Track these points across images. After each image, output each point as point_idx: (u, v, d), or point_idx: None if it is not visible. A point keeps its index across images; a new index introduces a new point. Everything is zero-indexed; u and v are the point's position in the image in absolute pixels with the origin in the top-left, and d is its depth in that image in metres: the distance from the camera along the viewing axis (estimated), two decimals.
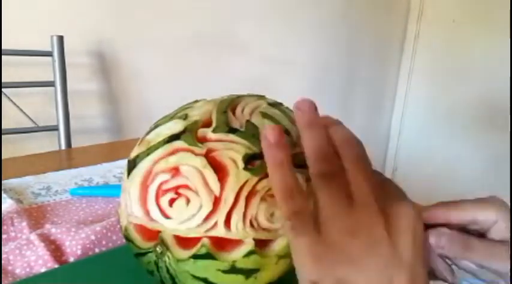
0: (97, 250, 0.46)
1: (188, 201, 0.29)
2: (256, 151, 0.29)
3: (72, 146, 1.08)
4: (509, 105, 1.77)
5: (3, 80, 0.98)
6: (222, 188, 0.29)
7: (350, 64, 1.93)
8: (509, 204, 0.40)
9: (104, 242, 0.47)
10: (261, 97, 0.37)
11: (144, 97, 1.30)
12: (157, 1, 1.26)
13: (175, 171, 0.29)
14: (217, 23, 1.42)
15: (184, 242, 0.30)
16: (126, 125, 1.28)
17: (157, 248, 0.30)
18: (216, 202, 0.29)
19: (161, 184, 0.30)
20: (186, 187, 0.29)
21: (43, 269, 0.42)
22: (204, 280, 0.30)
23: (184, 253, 0.29)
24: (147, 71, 1.29)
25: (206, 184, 0.29)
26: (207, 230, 0.29)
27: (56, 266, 0.42)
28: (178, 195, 0.29)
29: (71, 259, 0.44)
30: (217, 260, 0.29)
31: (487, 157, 1.94)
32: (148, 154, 0.31)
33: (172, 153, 0.30)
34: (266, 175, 0.28)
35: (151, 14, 1.26)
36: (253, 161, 0.29)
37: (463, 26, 1.94)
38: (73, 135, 1.09)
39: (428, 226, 0.36)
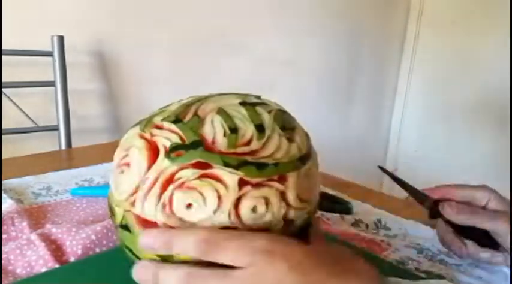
0: (97, 250, 0.46)
1: (125, 176, 0.32)
2: (186, 142, 0.31)
3: (72, 146, 1.08)
4: (509, 105, 1.77)
5: (3, 80, 0.98)
6: (147, 170, 0.31)
7: (350, 64, 1.93)
8: (509, 203, 0.42)
9: (104, 242, 0.47)
10: (245, 96, 0.37)
11: (144, 97, 1.30)
12: (157, 1, 1.26)
13: (128, 150, 0.33)
14: (217, 23, 1.42)
15: (120, 212, 0.33)
16: (126, 125, 1.28)
17: (109, 214, 0.35)
18: (141, 181, 0.31)
19: (120, 159, 0.34)
20: (128, 164, 0.32)
21: (43, 269, 0.42)
22: (130, 250, 0.33)
23: (118, 220, 0.33)
24: (147, 71, 1.29)
25: (138, 163, 0.31)
26: (130, 205, 0.31)
27: (57, 266, 0.42)
28: (123, 170, 0.33)
29: (72, 259, 0.44)
30: (134, 235, 0.31)
31: (487, 157, 1.94)
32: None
33: (131, 135, 0.34)
34: (190, 166, 0.30)
35: (152, 14, 1.26)
36: (180, 151, 0.31)
37: (463, 27, 1.94)
38: (73, 135, 1.09)
39: (436, 206, 0.45)
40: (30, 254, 0.43)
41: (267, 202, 0.30)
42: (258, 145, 0.31)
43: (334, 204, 0.57)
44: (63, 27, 1.08)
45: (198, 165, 0.30)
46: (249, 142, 0.31)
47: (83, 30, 1.15)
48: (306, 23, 1.68)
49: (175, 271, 0.29)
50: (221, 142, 0.31)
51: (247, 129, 0.32)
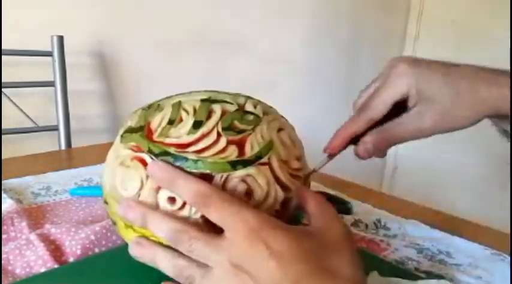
0: (97, 250, 0.46)
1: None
2: (133, 126, 0.35)
3: (72, 146, 1.08)
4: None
5: (3, 80, 0.98)
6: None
7: (350, 64, 1.93)
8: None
9: (103, 242, 0.47)
10: (234, 96, 0.37)
11: (144, 97, 1.29)
12: (157, 1, 1.26)
13: None
14: (217, 23, 1.41)
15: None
16: None
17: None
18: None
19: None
20: None
21: (43, 269, 0.42)
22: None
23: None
24: (147, 71, 1.29)
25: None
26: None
27: (56, 266, 0.42)
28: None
29: (71, 259, 0.44)
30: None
31: (487, 156, 1.94)
32: None
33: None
34: (129, 147, 0.34)
35: (152, 14, 1.26)
36: (128, 133, 0.35)
37: (463, 27, 1.94)
38: (73, 135, 1.09)
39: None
40: (29, 254, 0.43)
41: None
42: (188, 140, 0.32)
43: (333, 204, 0.57)
44: (63, 27, 1.08)
45: (134, 148, 0.33)
46: (180, 136, 0.33)
47: (83, 30, 1.15)
48: (306, 23, 1.68)
49: (165, 220, 0.30)
50: (156, 131, 0.33)
51: (186, 123, 0.33)
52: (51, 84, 1.05)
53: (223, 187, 0.31)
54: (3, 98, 1.01)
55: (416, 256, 0.49)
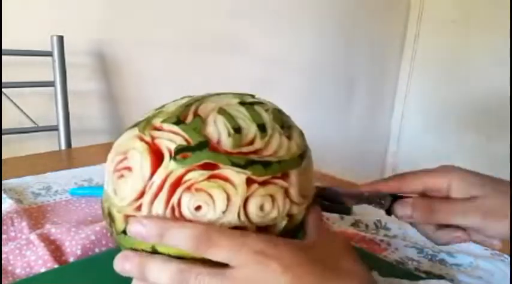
0: (97, 250, 0.46)
1: (126, 181, 0.31)
2: (192, 144, 0.30)
3: (72, 146, 1.08)
4: (509, 105, 1.77)
5: (3, 80, 0.98)
6: (152, 173, 0.30)
7: (350, 64, 1.93)
8: (509, 203, 0.41)
9: (103, 242, 0.47)
10: (242, 95, 0.37)
11: (144, 97, 1.30)
12: (157, 1, 1.26)
13: (126, 153, 0.32)
14: (217, 23, 1.41)
15: (122, 218, 0.32)
16: (126, 125, 1.28)
17: (107, 220, 0.34)
18: (146, 185, 0.30)
19: (116, 164, 0.33)
20: (129, 168, 0.31)
21: (43, 269, 0.42)
22: None
23: (120, 227, 0.32)
24: (147, 71, 1.29)
25: (141, 167, 0.31)
26: (134, 210, 0.31)
27: (56, 266, 0.42)
28: (123, 175, 0.32)
29: (71, 259, 0.44)
30: (140, 241, 0.30)
31: (487, 157, 1.94)
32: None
33: (128, 138, 0.33)
34: (197, 168, 0.30)
35: (152, 14, 1.26)
36: (186, 153, 0.30)
37: (463, 26, 1.94)
38: (73, 135, 1.09)
39: (394, 201, 0.39)
40: (29, 254, 0.43)
41: (273, 199, 0.31)
42: (261, 144, 0.31)
43: (333, 204, 0.57)
44: (63, 27, 1.08)
45: (205, 166, 0.30)
46: (252, 142, 0.31)
47: (83, 30, 1.14)
48: (306, 23, 1.68)
49: (165, 265, 0.28)
50: (226, 143, 0.31)
51: (250, 129, 0.32)
52: (51, 84, 1.05)
53: (298, 181, 0.32)
54: (3, 98, 1.01)
55: (417, 256, 0.49)
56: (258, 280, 0.27)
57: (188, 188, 0.30)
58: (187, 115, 0.32)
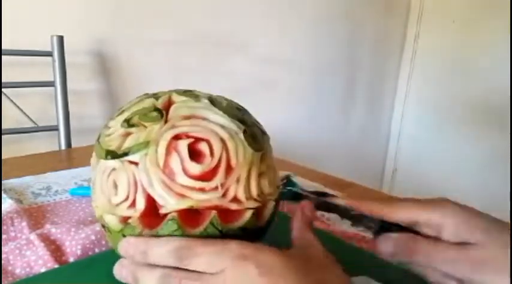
0: (97, 250, 0.46)
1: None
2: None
3: (72, 146, 1.08)
4: (509, 105, 1.77)
5: (3, 80, 0.98)
6: None
7: (350, 64, 1.93)
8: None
9: (103, 242, 0.47)
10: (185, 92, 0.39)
11: None
12: (157, 1, 1.26)
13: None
14: (217, 23, 1.41)
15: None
16: None
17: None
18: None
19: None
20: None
21: (43, 269, 0.42)
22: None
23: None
24: (147, 71, 1.29)
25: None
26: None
27: (56, 266, 0.42)
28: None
29: (71, 259, 0.44)
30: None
31: (487, 157, 1.94)
32: None
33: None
34: None
35: (152, 14, 1.26)
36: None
37: (463, 27, 1.94)
38: (73, 135, 1.08)
39: (381, 231, 0.35)
40: (29, 254, 0.43)
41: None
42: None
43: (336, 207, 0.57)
44: (63, 27, 1.08)
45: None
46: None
47: (83, 30, 1.14)
48: (306, 23, 1.68)
49: (152, 273, 0.30)
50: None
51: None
52: (51, 84, 1.05)
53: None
54: (3, 98, 1.01)
55: None
56: (237, 281, 0.27)
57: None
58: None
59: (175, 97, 0.36)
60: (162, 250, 0.29)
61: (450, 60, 2.01)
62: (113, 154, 0.33)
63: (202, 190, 0.31)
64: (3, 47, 0.97)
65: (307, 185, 0.67)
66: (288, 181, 0.66)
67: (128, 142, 0.33)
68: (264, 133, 0.38)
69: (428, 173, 2.11)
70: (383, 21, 2.01)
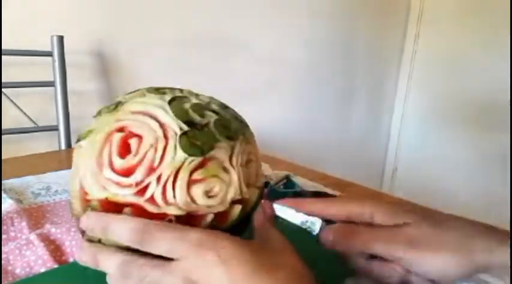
0: None
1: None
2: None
3: (72, 146, 1.08)
4: (509, 105, 1.77)
5: (3, 80, 0.98)
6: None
7: (350, 64, 1.93)
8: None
9: None
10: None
11: None
12: (157, 1, 1.26)
13: None
14: (217, 23, 1.42)
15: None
16: None
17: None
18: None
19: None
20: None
21: (43, 269, 0.42)
22: None
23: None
24: (147, 71, 1.29)
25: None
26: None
27: (56, 266, 0.42)
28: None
29: (71, 259, 0.44)
30: None
31: (487, 157, 1.94)
32: None
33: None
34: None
35: (152, 14, 1.26)
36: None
37: (463, 26, 1.94)
38: (73, 135, 1.08)
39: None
40: (29, 254, 0.43)
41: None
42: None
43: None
44: (63, 27, 1.08)
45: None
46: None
47: (83, 30, 1.14)
48: (306, 23, 1.68)
49: (112, 257, 0.30)
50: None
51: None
52: (51, 84, 1.05)
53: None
54: (3, 98, 1.01)
55: None
56: (195, 272, 0.28)
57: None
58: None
59: (144, 94, 0.37)
60: (121, 227, 0.29)
61: (450, 60, 2.01)
62: (77, 138, 0.36)
63: (118, 184, 0.31)
64: (3, 47, 0.97)
65: (307, 185, 0.67)
66: (288, 181, 0.66)
67: (85, 128, 0.35)
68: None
69: (428, 173, 2.11)
70: (383, 21, 2.01)
